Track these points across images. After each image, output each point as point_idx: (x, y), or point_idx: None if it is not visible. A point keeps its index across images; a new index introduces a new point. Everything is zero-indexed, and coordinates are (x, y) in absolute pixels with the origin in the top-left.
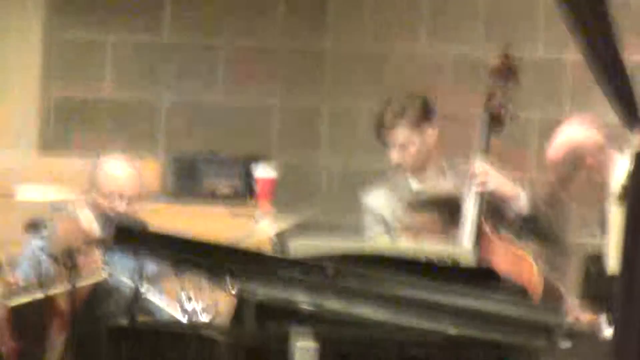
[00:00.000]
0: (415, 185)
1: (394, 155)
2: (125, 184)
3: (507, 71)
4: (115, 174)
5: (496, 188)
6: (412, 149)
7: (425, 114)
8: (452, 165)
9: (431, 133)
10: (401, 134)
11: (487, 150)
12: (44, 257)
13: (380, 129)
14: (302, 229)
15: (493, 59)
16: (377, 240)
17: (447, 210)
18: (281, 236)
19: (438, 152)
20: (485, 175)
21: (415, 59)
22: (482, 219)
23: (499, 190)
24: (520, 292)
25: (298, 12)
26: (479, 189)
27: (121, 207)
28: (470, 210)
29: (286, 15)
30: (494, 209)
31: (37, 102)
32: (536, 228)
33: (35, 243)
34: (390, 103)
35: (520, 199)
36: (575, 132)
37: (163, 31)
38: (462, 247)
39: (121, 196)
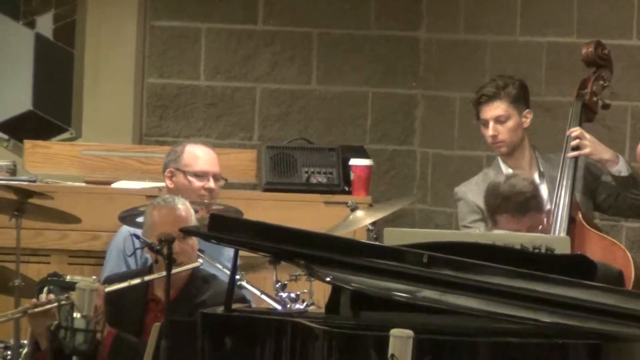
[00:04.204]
0: (508, 171)
1: (490, 130)
2: (208, 162)
3: (600, 59)
4: (198, 154)
5: (593, 152)
6: (510, 124)
7: (523, 93)
8: (543, 154)
9: (527, 114)
10: (499, 106)
11: None
12: (139, 245)
13: (479, 104)
14: (398, 217)
15: (586, 48)
16: (471, 229)
17: (540, 199)
18: (376, 225)
19: (531, 139)
20: (582, 137)
21: (509, 48)
22: (575, 203)
23: (596, 154)
24: (617, 278)
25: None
26: (575, 153)
27: (209, 185)
28: (562, 197)
29: (381, 2)
30: (585, 193)
31: (132, 91)
32: (637, 191)
33: (130, 231)
34: (490, 80)
35: (619, 162)
36: None
37: (258, 19)
38: (557, 235)
39: (207, 174)
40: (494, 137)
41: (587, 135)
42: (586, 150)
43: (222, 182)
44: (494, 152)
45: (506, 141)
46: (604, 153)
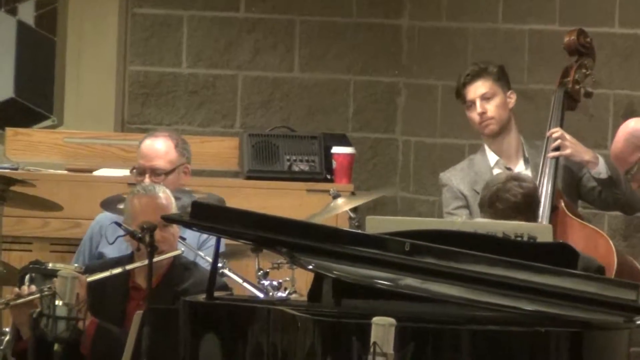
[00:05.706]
0: (493, 159)
1: (478, 108)
2: (145, 156)
3: (582, 48)
4: (141, 147)
5: (573, 153)
6: (496, 101)
7: (504, 75)
8: (529, 140)
9: (511, 95)
10: (484, 84)
11: (561, 126)
12: (120, 233)
13: (464, 86)
14: (380, 205)
15: (568, 36)
16: (453, 217)
17: (532, 209)
18: (358, 213)
19: (516, 125)
20: (563, 138)
21: (491, 35)
22: (558, 191)
23: (577, 156)
24: (596, 270)
25: None
26: (556, 154)
27: (146, 181)
28: (544, 185)
29: None
30: (569, 182)
31: (114, 79)
32: (617, 190)
33: (110, 219)
34: (470, 64)
35: (599, 163)
36: (632, 122)
37: (240, 6)
38: (539, 223)
39: (144, 170)
40: (482, 114)
41: (568, 136)
42: (566, 152)
43: (161, 177)
44: (481, 137)
45: (495, 118)
46: (584, 154)
